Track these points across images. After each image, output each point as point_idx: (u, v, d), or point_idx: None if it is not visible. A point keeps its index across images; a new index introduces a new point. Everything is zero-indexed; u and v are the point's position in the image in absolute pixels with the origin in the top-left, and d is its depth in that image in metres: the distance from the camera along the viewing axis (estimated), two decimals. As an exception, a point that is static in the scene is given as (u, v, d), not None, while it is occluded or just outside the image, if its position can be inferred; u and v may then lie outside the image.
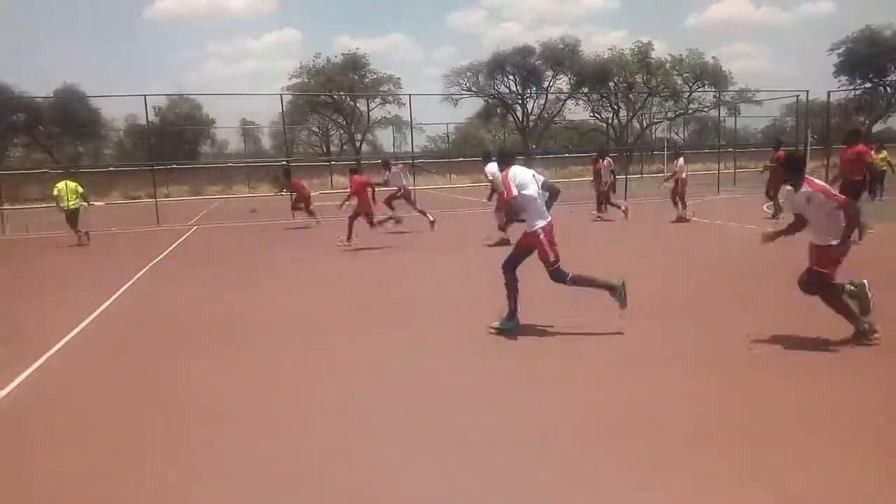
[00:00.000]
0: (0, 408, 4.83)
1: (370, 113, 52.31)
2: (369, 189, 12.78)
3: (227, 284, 9.59)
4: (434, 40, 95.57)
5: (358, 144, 51.72)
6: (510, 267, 6.15)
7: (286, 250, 13.21)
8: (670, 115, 54.25)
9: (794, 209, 5.53)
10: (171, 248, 13.60)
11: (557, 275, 5.98)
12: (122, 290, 9.15)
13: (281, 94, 29.34)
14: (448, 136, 56.24)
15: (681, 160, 15.63)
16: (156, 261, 11.93)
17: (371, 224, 12.91)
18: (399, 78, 52.53)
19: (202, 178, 41.67)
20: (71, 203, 14.64)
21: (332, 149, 54.60)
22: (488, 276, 6.90)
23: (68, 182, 14.89)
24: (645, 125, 56.49)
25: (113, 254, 13.72)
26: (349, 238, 12.48)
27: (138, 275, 10.35)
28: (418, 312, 7.17)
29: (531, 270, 6.18)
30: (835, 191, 5.70)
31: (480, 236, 12.37)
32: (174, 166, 41.40)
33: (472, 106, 61.16)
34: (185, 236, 16.21)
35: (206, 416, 4.50)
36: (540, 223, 5.96)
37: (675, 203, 15.28)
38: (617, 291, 5.97)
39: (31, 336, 6.81)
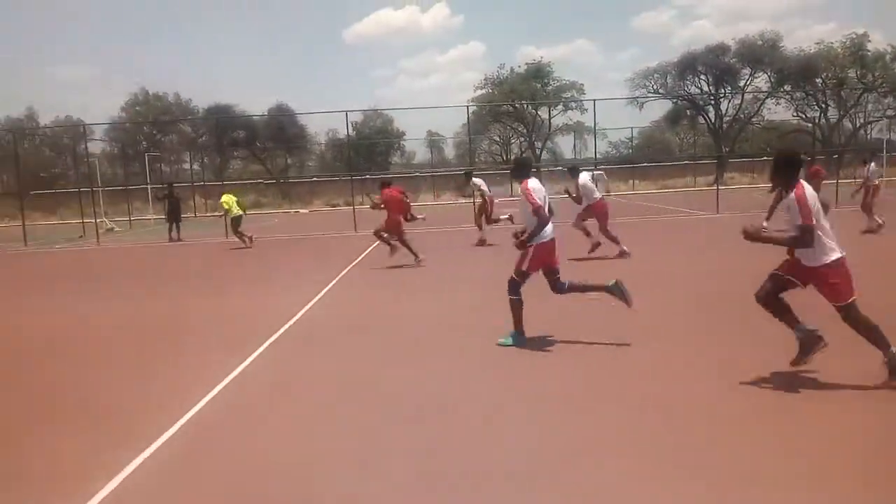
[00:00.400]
0: (224, 396, 5.54)
1: (551, 120, 52.33)
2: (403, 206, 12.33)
3: (417, 287, 10.16)
4: (617, 43, 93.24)
5: (538, 152, 51.89)
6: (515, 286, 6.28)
7: (477, 256, 13.63)
8: (890, 112, 48.11)
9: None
10: (366, 253, 14.62)
11: (514, 286, 6.21)
12: (325, 290, 10.06)
13: (467, 106, 30.43)
14: (632, 141, 54.59)
15: (872, 165, 14.33)
16: (355, 263, 12.93)
17: (389, 243, 12.15)
18: (582, 84, 52.03)
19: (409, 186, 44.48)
20: (235, 212, 17.52)
21: (512, 157, 55.33)
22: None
23: (231, 195, 18.06)
24: (858, 124, 50.61)
25: (318, 256, 15.07)
26: (416, 256, 12.09)
27: (340, 275, 11.32)
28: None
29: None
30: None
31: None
32: (368, 176, 44.50)
33: (658, 109, 58.86)
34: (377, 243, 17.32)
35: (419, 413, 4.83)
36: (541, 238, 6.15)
37: (869, 213, 13.86)
38: (615, 291, 6.15)
39: (243, 331, 7.72)
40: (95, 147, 43.34)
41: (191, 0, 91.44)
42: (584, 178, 12.17)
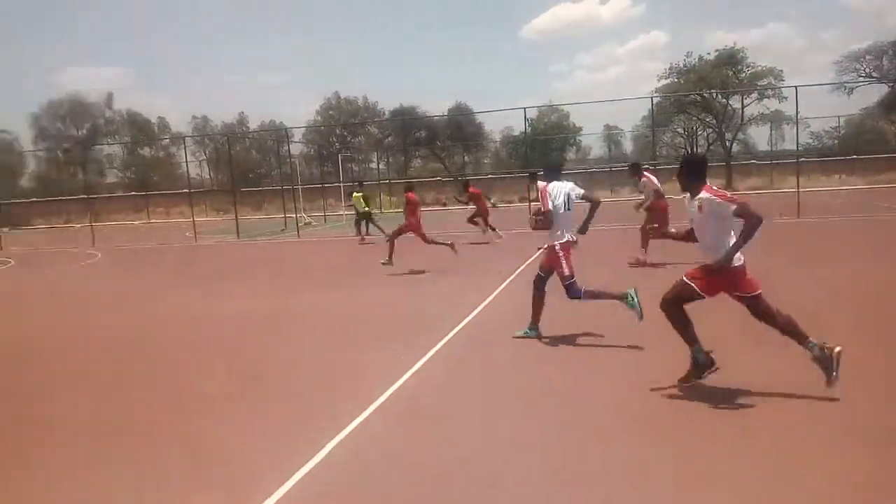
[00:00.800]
0: (411, 382, 5.75)
1: (744, 110, 48.54)
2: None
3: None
4: (821, 23, 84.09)
5: (728, 144, 48.40)
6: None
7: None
8: None
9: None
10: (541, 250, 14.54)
11: (572, 290, 6.49)
12: (504, 285, 10.15)
13: (651, 97, 29.18)
14: (838, 130, 49.07)
15: None
16: (530, 260, 12.92)
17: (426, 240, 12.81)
18: (781, 70, 47.63)
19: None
20: (363, 209, 19.70)
21: (699, 150, 52.12)
22: None
23: (358, 194, 20.08)
24: None
25: (497, 252, 15.27)
26: (452, 247, 12.73)
27: (518, 270, 11.37)
28: None
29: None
30: None
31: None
32: (542, 172, 44.36)
33: (870, 94, 52.29)
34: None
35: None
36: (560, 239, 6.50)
37: None
38: (629, 300, 6.26)
39: (426, 324, 7.98)
40: (295, 149, 47.47)
41: (376, 11, 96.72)
42: (650, 177, 11.79)
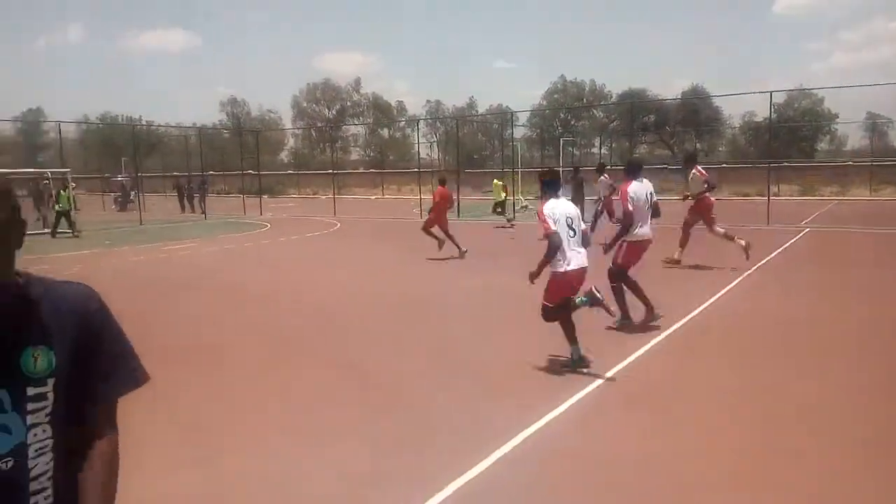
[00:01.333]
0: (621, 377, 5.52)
1: None
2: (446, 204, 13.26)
3: (850, 290, 8.72)
4: None
5: None
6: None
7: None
8: None
9: None
10: (783, 248, 13.16)
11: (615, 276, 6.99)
12: (731, 285, 9.35)
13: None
14: None
15: None
16: (766, 259, 11.75)
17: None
18: None
19: (816, 177, 38.99)
20: (499, 197, 20.82)
21: None
22: None
23: (499, 181, 21.18)
24: None
25: (724, 248, 14.13)
26: (440, 247, 12.71)
27: (748, 271, 10.40)
28: None
29: None
30: None
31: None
32: (786, 164, 39.99)
33: None
34: (794, 238, 15.49)
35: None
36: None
37: None
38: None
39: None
40: (519, 132, 48.09)
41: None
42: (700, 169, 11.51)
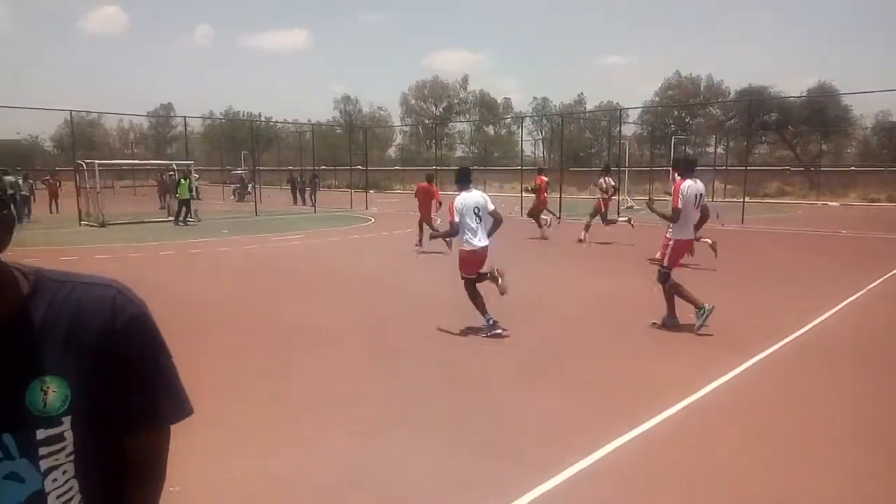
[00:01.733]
0: (715, 395, 5.26)
1: None
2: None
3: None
4: None
5: None
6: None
7: None
8: None
9: None
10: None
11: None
12: (851, 299, 8.69)
13: None
14: None
15: None
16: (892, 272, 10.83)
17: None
18: None
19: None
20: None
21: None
22: None
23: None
24: None
25: (847, 257, 13.15)
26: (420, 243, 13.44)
27: (872, 285, 9.63)
28: None
29: None
30: None
31: None
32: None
33: None
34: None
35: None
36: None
37: None
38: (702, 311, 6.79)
39: (756, 329, 7.19)
40: (628, 130, 46.72)
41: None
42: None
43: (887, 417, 4.69)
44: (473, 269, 7.07)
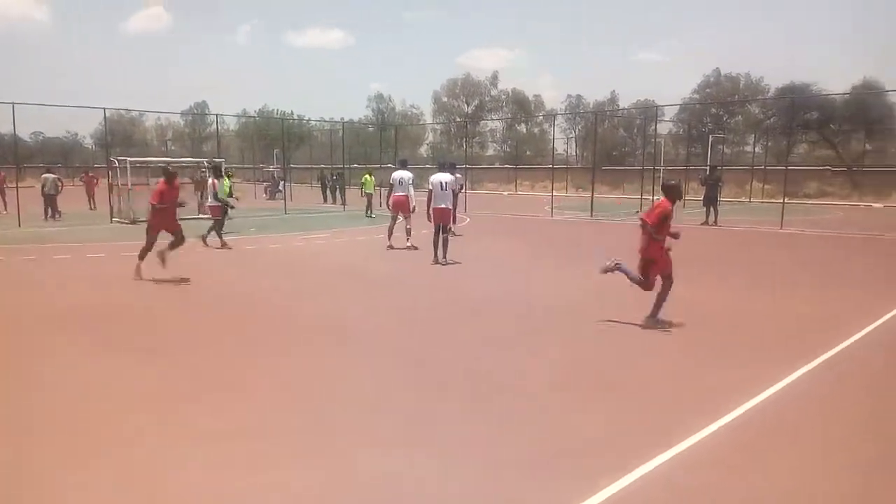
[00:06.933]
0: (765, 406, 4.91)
1: None
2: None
3: None
4: None
5: None
6: None
7: None
8: None
9: None
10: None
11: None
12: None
13: None
14: None
15: None
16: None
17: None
18: None
19: None
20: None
21: None
22: None
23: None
24: None
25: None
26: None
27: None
28: None
29: None
30: None
31: None
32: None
33: None
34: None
35: None
36: None
37: None
38: None
39: (803, 335, 6.79)
40: (664, 128, 45.78)
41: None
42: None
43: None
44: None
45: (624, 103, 61.87)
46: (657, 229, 6.99)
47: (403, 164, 14.78)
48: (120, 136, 66.23)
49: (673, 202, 7.16)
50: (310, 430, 4.46)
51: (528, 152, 65.45)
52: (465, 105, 70.43)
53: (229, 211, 20.43)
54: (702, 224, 20.34)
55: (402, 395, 5.17)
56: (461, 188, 15.68)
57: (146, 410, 4.76)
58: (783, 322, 7.57)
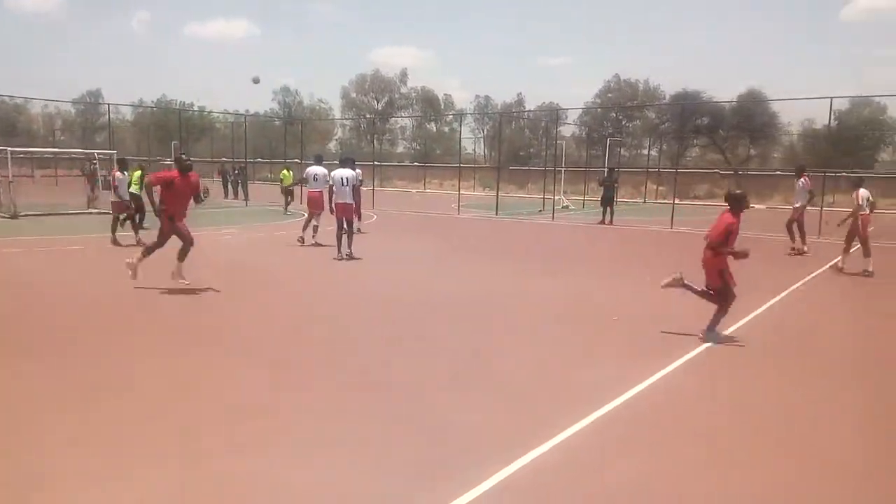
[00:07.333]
0: (645, 395, 5.14)
1: None
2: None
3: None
4: None
5: None
6: None
7: None
8: None
9: None
10: (832, 263, 12.47)
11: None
12: (772, 301, 8.82)
13: None
14: None
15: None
16: (815, 273, 11.13)
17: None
18: None
19: (879, 188, 37.20)
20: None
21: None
22: None
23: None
24: None
25: (771, 261, 13.47)
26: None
27: (793, 287, 9.84)
28: None
29: None
30: None
31: None
32: (844, 174, 38.25)
33: None
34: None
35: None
36: None
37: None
38: None
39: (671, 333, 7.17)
40: (567, 130, 47.24)
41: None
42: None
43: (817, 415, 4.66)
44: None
45: (530, 105, 63.45)
46: (722, 244, 6.46)
47: (319, 160, 15.00)
48: (2, 123, 61.45)
49: (737, 215, 6.58)
50: (173, 435, 4.30)
51: (437, 151, 65.76)
52: (375, 102, 69.97)
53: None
54: (598, 223, 21.16)
55: (264, 397, 5.07)
56: (361, 183, 15.49)
57: None
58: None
